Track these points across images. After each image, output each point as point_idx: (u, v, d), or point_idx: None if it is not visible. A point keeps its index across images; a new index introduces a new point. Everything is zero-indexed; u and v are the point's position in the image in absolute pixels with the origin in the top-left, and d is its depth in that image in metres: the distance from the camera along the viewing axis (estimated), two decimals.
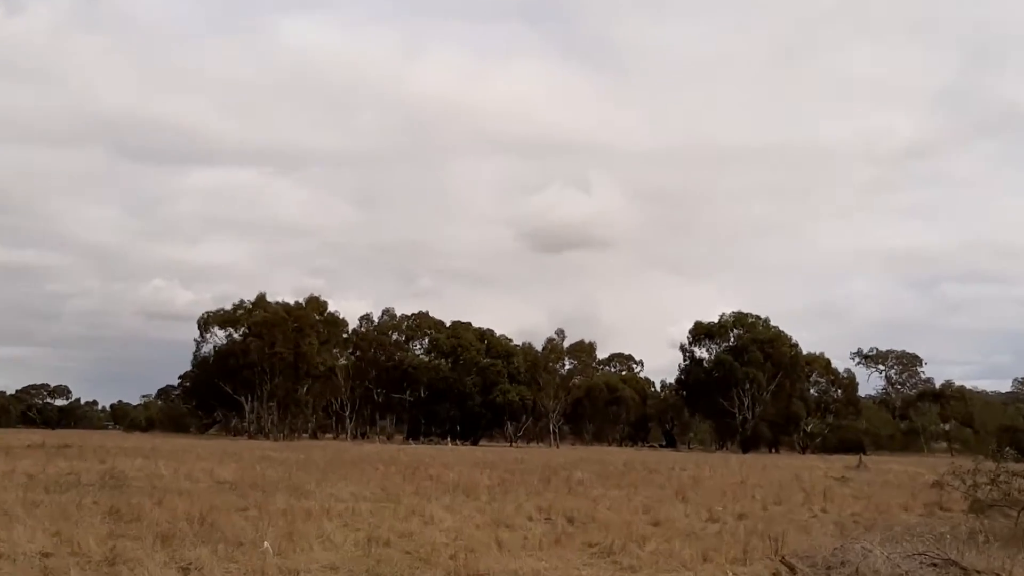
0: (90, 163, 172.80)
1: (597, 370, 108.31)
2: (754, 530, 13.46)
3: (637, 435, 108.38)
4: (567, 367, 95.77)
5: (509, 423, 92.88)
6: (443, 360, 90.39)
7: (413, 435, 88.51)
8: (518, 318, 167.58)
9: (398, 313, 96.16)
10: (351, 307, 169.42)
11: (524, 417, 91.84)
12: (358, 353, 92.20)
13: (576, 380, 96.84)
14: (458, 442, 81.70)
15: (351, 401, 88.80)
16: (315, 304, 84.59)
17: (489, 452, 51.73)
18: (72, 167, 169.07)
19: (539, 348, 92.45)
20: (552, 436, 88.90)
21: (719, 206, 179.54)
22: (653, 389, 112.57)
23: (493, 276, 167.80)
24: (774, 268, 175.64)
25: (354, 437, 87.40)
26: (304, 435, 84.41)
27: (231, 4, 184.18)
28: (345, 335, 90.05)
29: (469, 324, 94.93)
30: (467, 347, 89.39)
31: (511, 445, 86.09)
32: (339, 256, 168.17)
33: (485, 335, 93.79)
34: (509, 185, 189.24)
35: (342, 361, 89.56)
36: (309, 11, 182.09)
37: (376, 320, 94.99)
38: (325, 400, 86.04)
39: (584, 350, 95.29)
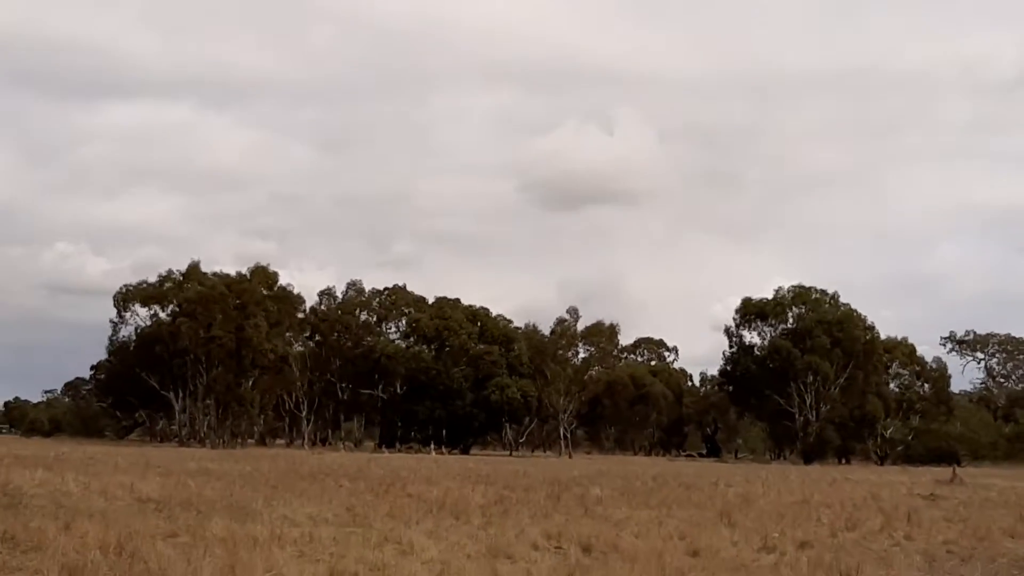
0: None
1: (620, 359, 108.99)
2: (820, 562, 13.47)
3: (670, 441, 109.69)
4: (582, 355, 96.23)
5: (508, 426, 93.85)
6: (425, 347, 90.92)
7: (387, 441, 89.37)
8: (520, 294, 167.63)
9: (368, 287, 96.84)
10: (309, 279, 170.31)
11: (527, 419, 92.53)
12: (317, 338, 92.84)
13: (593, 372, 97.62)
14: (444, 450, 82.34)
15: (309, 399, 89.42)
16: (263, 275, 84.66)
17: (483, 463, 52.12)
18: None
19: (546, 332, 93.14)
20: (563, 443, 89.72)
21: (776, 150, 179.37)
22: (691, 383, 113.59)
23: (489, 240, 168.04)
24: (844, 229, 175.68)
25: (313, 444, 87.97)
26: (249, 441, 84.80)
27: None
28: (301, 315, 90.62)
29: (458, 301, 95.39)
30: (455, 330, 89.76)
31: (511, 454, 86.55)
32: (293, 214, 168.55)
33: (478, 315, 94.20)
34: (510, 124, 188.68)
35: (297, 348, 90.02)
36: None
37: (340, 296, 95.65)
38: (276, 397, 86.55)
39: (603, 334, 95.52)
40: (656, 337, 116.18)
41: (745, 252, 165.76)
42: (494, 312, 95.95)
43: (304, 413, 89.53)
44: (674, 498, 25.71)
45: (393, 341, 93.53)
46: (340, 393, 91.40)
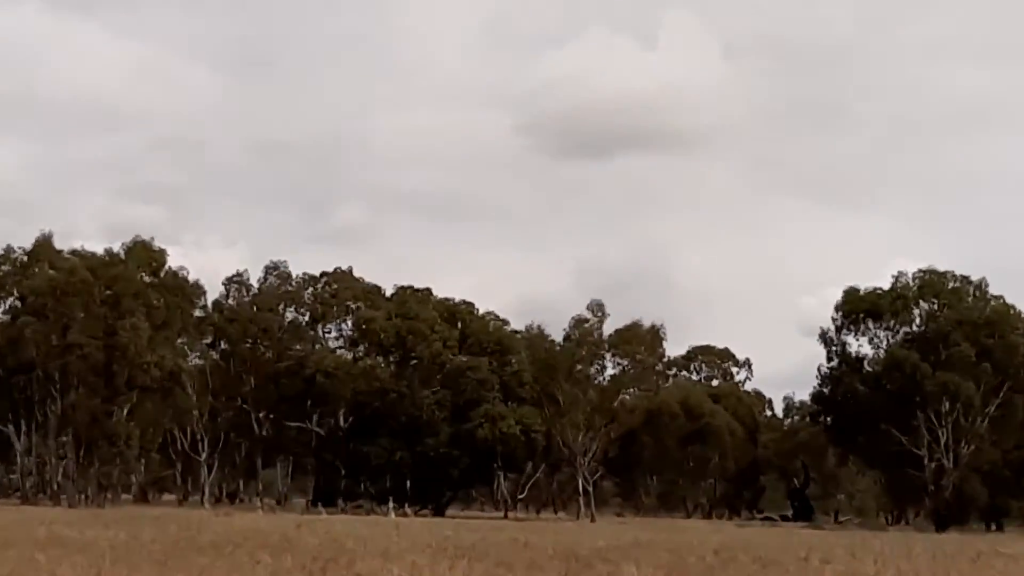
0: None
1: (666, 378, 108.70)
2: None
3: (740, 497, 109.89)
4: (610, 372, 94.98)
5: (503, 475, 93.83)
6: (381, 359, 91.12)
7: (325, 497, 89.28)
8: (520, 282, 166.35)
9: (297, 272, 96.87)
10: (212, 261, 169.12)
11: (530, 465, 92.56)
12: (224, 346, 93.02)
13: (627, 397, 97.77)
14: (408, 510, 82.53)
15: (211, 435, 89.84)
16: (144, 255, 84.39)
17: (466, 529, 51.84)
18: None
19: (558, 338, 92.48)
20: (582, 499, 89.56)
21: (890, 71, 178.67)
22: (770, 413, 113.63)
23: (474, 204, 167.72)
24: (997, 187, 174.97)
25: (217, 500, 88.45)
26: (125, 497, 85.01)
27: None
28: (200, 312, 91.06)
29: (428, 293, 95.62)
30: (425, 335, 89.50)
31: (506, 516, 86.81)
32: (190, 167, 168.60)
33: (459, 313, 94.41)
34: (505, 35, 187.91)
35: (195, 360, 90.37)
36: None
37: (257, 285, 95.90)
38: (163, 432, 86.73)
39: (642, 341, 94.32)
40: (718, 345, 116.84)
41: (849, 220, 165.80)
42: (482, 309, 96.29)
43: (204, 456, 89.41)
44: None
45: (334, 351, 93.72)
46: (257, 427, 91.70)
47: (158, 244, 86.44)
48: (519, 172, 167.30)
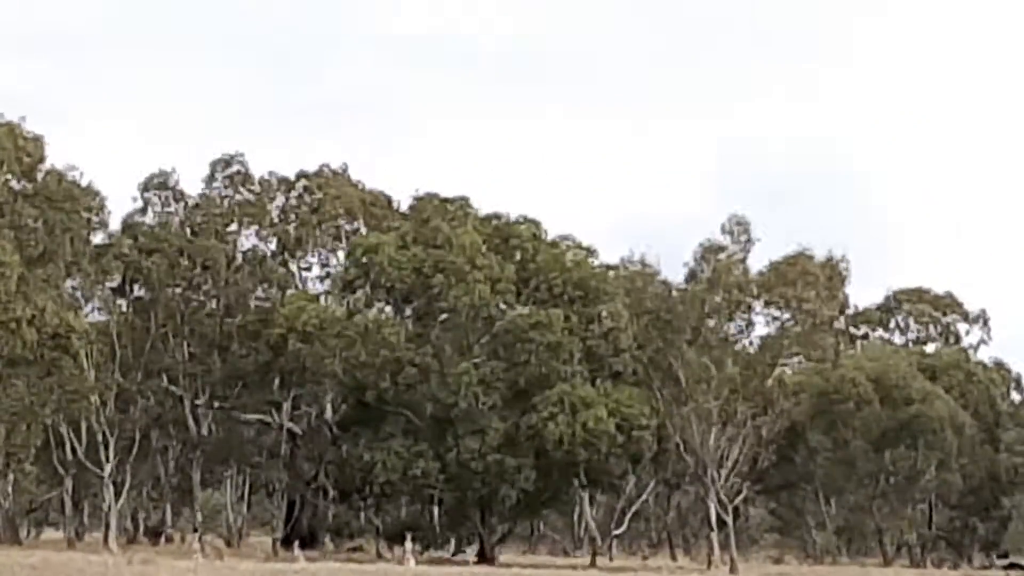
0: None
1: (850, 340, 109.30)
2: None
3: (969, 532, 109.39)
4: (760, 330, 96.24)
5: (587, 498, 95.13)
6: (391, 311, 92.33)
7: (303, 535, 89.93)
8: (616, 187, 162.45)
9: (260, 173, 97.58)
10: (122, 150, 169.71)
11: (632, 480, 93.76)
12: (139, 291, 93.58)
13: (787, 370, 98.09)
14: (436, 553, 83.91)
15: (120, 434, 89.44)
16: (8, 144, 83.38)
17: None
18: None
19: (677, 277, 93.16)
20: (716, 536, 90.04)
21: None
22: (1019, 398, 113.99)
23: (546, 53, 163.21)
24: None
25: (130, 539, 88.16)
26: None
27: None
28: (102, 237, 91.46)
29: (466, 205, 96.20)
30: (460, 272, 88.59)
31: (594, 563, 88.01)
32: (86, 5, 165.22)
33: (515, 236, 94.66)
34: None
35: (92, 315, 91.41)
36: None
37: (198, 195, 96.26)
38: (43, 430, 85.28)
39: (812, 280, 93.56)
40: (936, 289, 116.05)
41: None
42: (553, 231, 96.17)
43: (109, 468, 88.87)
44: None
45: (317, 299, 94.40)
46: (193, 422, 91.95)
47: (31, 128, 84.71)
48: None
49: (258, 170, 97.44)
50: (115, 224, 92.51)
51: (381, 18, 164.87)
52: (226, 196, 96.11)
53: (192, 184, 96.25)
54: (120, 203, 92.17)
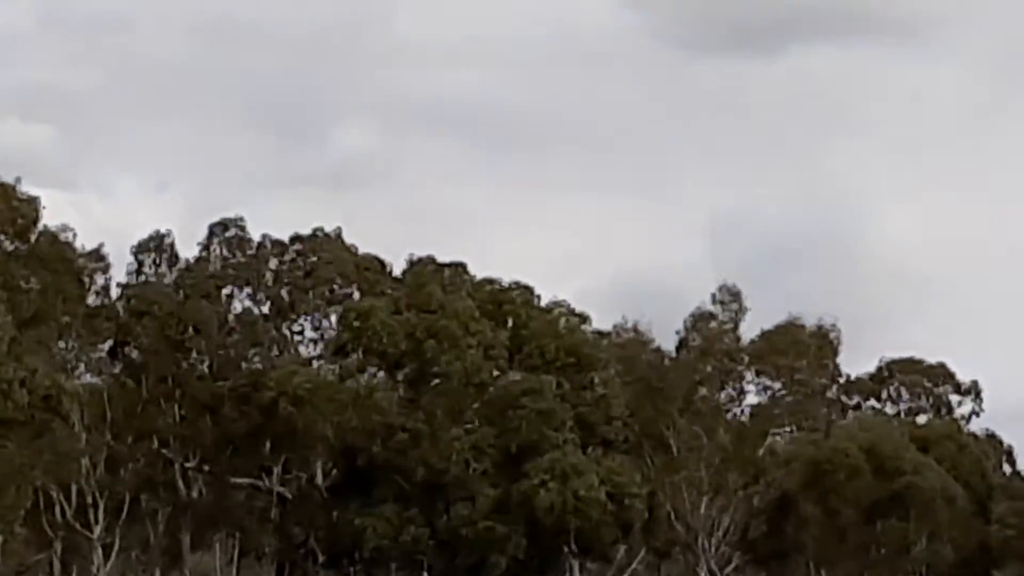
0: None
1: (842, 410, 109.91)
2: None
3: None
4: (753, 400, 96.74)
5: (577, 565, 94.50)
6: (383, 376, 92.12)
7: None
8: (610, 253, 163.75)
9: (258, 234, 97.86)
10: (122, 213, 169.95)
11: (622, 549, 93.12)
12: (132, 354, 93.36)
13: (779, 439, 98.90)
14: None
15: (110, 497, 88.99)
16: (3, 205, 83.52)
17: None
18: None
19: (668, 345, 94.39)
20: None
21: None
22: (1010, 470, 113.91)
23: (544, 124, 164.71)
24: None
25: None
26: None
27: None
28: (96, 298, 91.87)
29: (462, 270, 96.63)
30: (453, 338, 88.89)
31: None
32: (98, 57, 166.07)
33: (508, 303, 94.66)
34: None
35: (84, 377, 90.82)
36: None
37: (192, 257, 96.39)
38: (32, 492, 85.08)
39: (802, 349, 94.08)
40: (928, 359, 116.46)
41: None
42: (546, 297, 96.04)
43: (99, 531, 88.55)
44: None
45: (309, 363, 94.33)
46: (183, 485, 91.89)
47: (26, 188, 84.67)
48: (625, 72, 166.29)
49: (256, 233, 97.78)
50: (113, 285, 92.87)
51: (389, 78, 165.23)
52: (221, 258, 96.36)
53: (189, 247, 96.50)
54: (117, 266, 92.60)
